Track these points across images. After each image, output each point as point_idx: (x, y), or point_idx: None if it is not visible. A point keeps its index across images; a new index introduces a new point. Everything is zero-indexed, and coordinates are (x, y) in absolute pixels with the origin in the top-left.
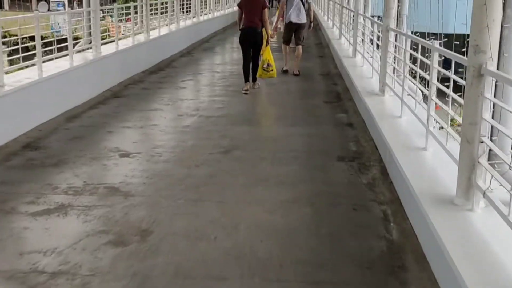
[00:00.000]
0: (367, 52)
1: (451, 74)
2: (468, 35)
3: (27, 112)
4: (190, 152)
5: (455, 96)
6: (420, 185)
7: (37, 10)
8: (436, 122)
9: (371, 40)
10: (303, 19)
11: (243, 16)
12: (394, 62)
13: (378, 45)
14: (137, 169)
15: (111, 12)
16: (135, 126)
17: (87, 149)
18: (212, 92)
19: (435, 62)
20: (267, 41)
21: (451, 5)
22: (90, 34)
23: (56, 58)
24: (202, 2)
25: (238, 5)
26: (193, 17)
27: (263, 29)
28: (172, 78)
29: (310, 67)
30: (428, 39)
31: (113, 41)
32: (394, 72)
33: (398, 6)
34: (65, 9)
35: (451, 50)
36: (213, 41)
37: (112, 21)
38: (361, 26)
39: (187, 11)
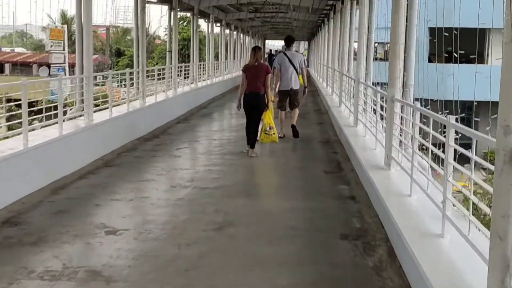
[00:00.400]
0: (370, 122)
1: (472, 154)
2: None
3: (10, 184)
4: (182, 229)
5: (479, 181)
6: (439, 281)
7: (37, 74)
8: (453, 205)
9: (374, 110)
10: (297, 85)
11: (247, 81)
12: (400, 135)
13: (381, 115)
14: (123, 248)
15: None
16: (124, 199)
17: (71, 224)
18: (208, 161)
19: (451, 139)
20: (267, 105)
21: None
22: (82, 101)
23: (46, 125)
24: (200, 67)
25: (243, 70)
26: (191, 83)
27: (265, 94)
28: (167, 146)
29: (309, 134)
30: (441, 113)
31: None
32: (400, 145)
33: (404, 76)
34: (65, 74)
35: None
36: (211, 107)
37: (115, 86)
38: (363, 94)
39: (185, 77)
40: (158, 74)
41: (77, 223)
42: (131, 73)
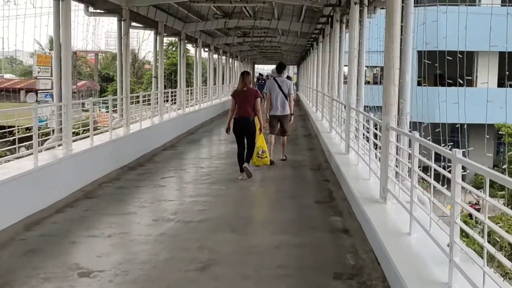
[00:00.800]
0: (362, 149)
1: (485, 195)
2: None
3: None
4: (162, 269)
5: (496, 228)
6: None
7: (25, 100)
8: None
9: (366, 137)
10: (287, 111)
11: (236, 105)
12: (396, 165)
13: (375, 143)
14: None
15: (99, 104)
16: (102, 235)
17: (42, 266)
18: (195, 191)
19: (457, 175)
20: (260, 129)
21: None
22: (61, 130)
23: (20, 157)
24: (188, 93)
25: (232, 95)
26: (179, 108)
27: (256, 118)
28: (151, 175)
29: (299, 161)
30: (444, 146)
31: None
32: (397, 176)
33: (401, 103)
34: (53, 101)
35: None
36: (200, 133)
37: (100, 111)
38: (354, 120)
39: (173, 102)
40: (144, 101)
41: (48, 264)
42: (115, 100)
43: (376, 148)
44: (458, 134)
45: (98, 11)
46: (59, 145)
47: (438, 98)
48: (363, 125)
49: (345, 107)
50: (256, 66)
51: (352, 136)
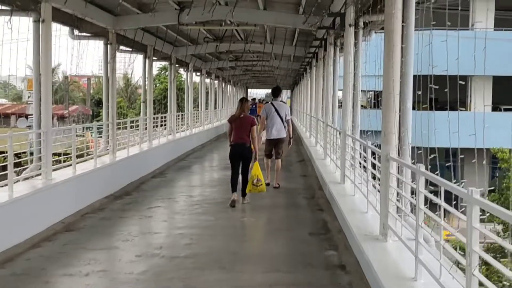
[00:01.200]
0: (359, 178)
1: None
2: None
3: None
4: None
5: None
6: None
7: (15, 126)
8: None
9: (363, 166)
10: (283, 134)
11: (233, 131)
12: (398, 200)
13: (373, 174)
14: None
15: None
16: (79, 274)
17: None
18: (182, 222)
19: (474, 219)
20: (255, 157)
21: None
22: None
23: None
24: (179, 118)
25: (229, 120)
26: (169, 134)
27: (251, 145)
28: (138, 205)
29: (293, 189)
30: (456, 182)
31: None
32: (398, 212)
33: (402, 131)
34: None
35: None
36: (190, 159)
37: (91, 136)
38: (350, 148)
39: (163, 128)
40: (132, 127)
41: None
42: (101, 126)
43: (374, 179)
44: (452, 159)
45: (84, 34)
46: (38, 175)
47: (433, 123)
48: (360, 153)
49: (339, 133)
50: (249, 90)
51: (348, 165)
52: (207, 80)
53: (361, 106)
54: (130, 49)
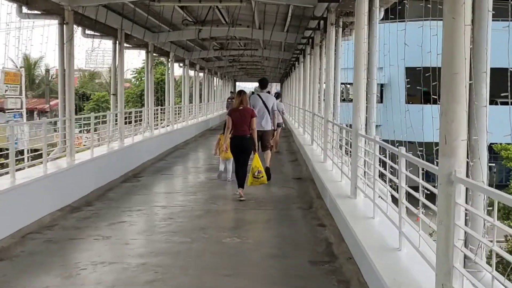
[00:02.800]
0: (378, 192)
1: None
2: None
3: None
4: None
5: None
6: None
7: None
8: None
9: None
10: (269, 126)
11: (232, 124)
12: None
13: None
14: None
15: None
16: None
17: None
18: (148, 245)
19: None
20: (254, 148)
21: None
22: None
23: None
24: (159, 112)
25: (228, 113)
26: (146, 131)
27: (251, 137)
28: (97, 220)
29: (286, 196)
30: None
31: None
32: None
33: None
34: (23, 120)
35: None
36: (171, 159)
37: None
38: (363, 151)
39: (139, 123)
40: (97, 123)
41: None
42: (56, 123)
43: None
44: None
45: (35, 12)
46: None
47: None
48: (379, 159)
49: (340, 129)
50: (238, 83)
51: (360, 173)
52: (192, 72)
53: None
54: (97, 34)
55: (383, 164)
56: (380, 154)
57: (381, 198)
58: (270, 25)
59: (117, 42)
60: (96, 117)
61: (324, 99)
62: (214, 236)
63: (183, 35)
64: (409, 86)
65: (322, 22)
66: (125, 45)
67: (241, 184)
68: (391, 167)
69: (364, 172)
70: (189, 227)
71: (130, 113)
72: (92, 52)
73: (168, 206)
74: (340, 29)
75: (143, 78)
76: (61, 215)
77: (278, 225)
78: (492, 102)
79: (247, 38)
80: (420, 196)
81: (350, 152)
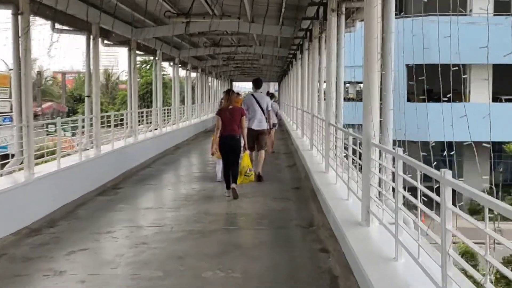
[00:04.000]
0: (388, 213)
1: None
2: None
3: None
4: None
5: None
6: None
7: None
8: None
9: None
10: (264, 126)
11: (222, 124)
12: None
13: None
14: None
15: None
16: None
17: None
18: (106, 285)
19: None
20: (245, 147)
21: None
22: None
23: None
24: (145, 115)
25: (217, 113)
26: (129, 136)
27: (241, 136)
28: (55, 247)
29: (282, 211)
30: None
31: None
32: None
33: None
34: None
35: None
36: (157, 166)
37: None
38: (377, 165)
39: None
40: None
41: None
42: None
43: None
44: (449, 153)
45: None
46: None
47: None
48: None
49: (346, 135)
50: (234, 83)
51: (374, 193)
52: (183, 72)
53: (349, 98)
54: (70, 28)
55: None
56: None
57: (404, 230)
58: (263, 17)
59: (92, 37)
60: (66, 122)
61: (325, 99)
62: (193, 268)
63: (169, 31)
64: (412, 83)
65: (321, 9)
66: (105, 42)
67: (229, 186)
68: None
69: (379, 192)
70: (164, 256)
71: (109, 116)
72: (53, 48)
73: (144, 227)
74: (343, 17)
75: (138, 79)
76: (13, 241)
77: (272, 251)
78: (497, 99)
79: (239, 33)
80: (418, 202)
81: (360, 165)
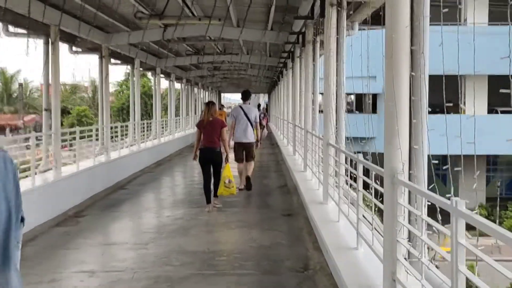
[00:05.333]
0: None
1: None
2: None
3: None
4: None
5: None
6: None
7: None
8: None
9: None
10: (252, 138)
11: (202, 135)
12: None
13: None
14: None
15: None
16: None
17: None
18: None
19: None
20: (226, 159)
21: None
22: None
23: None
24: (119, 129)
25: (197, 125)
26: (102, 153)
27: (222, 148)
28: None
29: (273, 248)
30: None
31: None
32: None
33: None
34: None
35: None
36: (133, 187)
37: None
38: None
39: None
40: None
41: None
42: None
43: None
44: (442, 165)
45: None
46: None
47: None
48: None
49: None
50: (223, 95)
51: (403, 253)
52: (165, 83)
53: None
54: (25, 32)
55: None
56: None
57: None
58: (249, 21)
59: (50, 42)
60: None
61: (321, 112)
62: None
63: (145, 36)
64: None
65: (316, 6)
66: (74, 48)
67: (214, 194)
68: None
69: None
70: None
71: (73, 133)
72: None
73: (97, 272)
74: (344, 13)
75: (124, 91)
76: None
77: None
78: (492, 111)
79: (224, 39)
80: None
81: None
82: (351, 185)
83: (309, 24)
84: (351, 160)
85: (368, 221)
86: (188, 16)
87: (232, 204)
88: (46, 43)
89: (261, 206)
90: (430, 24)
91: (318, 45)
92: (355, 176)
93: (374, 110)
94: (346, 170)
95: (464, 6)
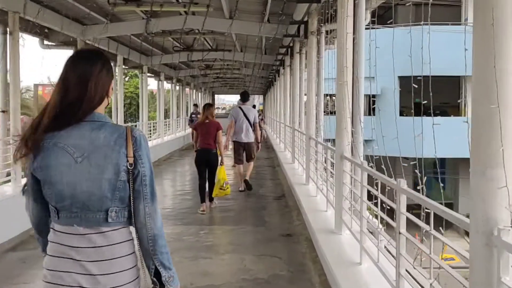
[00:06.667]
0: None
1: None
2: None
3: None
4: None
5: None
6: None
7: None
8: None
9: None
10: (251, 139)
11: (199, 137)
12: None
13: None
14: None
15: None
16: None
17: None
18: None
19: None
20: (221, 162)
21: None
22: None
23: None
24: None
25: (194, 127)
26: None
27: (217, 151)
28: None
29: (270, 270)
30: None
31: None
32: None
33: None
34: None
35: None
36: None
37: None
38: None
39: None
40: None
41: None
42: None
43: None
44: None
45: None
46: None
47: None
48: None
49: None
50: (217, 96)
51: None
52: (155, 83)
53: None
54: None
55: None
56: None
57: None
58: (243, 13)
59: (8, 31)
60: None
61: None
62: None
63: (126, 28)
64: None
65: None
66: (46, 42)
67: (210, 198)
68: None
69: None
70: None
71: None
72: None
73: None
74: (323, 35)
75: (116, 92)
76: None
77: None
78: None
79: (214, 32)
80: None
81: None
82: (374, 213)
83: (312, 12)
84: (369, 176)
85: (411, 275)
86: (171, 2)
87: (223, 220)
88: (4, 33)
89: (259, 224)
90: (433, 24)
91: (323, 36)
92: (378, 200)
93: (373, 112)
94: (369, 192)
95: (464, 5)
